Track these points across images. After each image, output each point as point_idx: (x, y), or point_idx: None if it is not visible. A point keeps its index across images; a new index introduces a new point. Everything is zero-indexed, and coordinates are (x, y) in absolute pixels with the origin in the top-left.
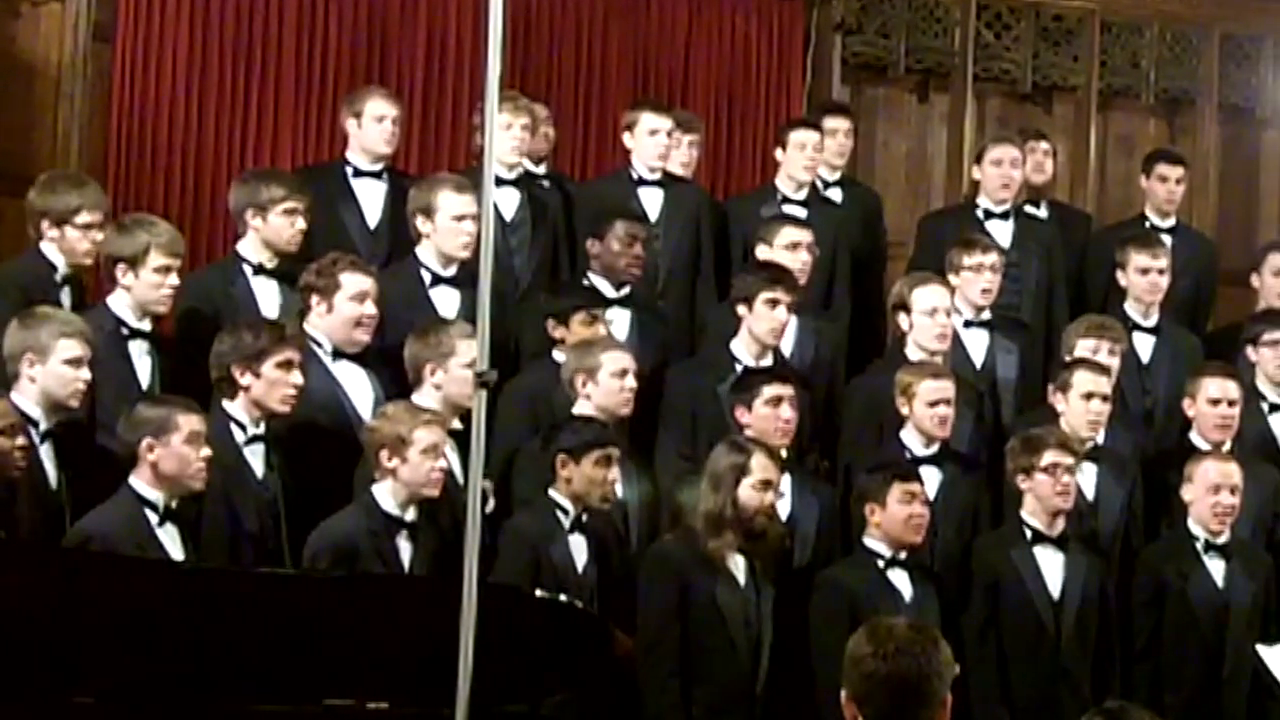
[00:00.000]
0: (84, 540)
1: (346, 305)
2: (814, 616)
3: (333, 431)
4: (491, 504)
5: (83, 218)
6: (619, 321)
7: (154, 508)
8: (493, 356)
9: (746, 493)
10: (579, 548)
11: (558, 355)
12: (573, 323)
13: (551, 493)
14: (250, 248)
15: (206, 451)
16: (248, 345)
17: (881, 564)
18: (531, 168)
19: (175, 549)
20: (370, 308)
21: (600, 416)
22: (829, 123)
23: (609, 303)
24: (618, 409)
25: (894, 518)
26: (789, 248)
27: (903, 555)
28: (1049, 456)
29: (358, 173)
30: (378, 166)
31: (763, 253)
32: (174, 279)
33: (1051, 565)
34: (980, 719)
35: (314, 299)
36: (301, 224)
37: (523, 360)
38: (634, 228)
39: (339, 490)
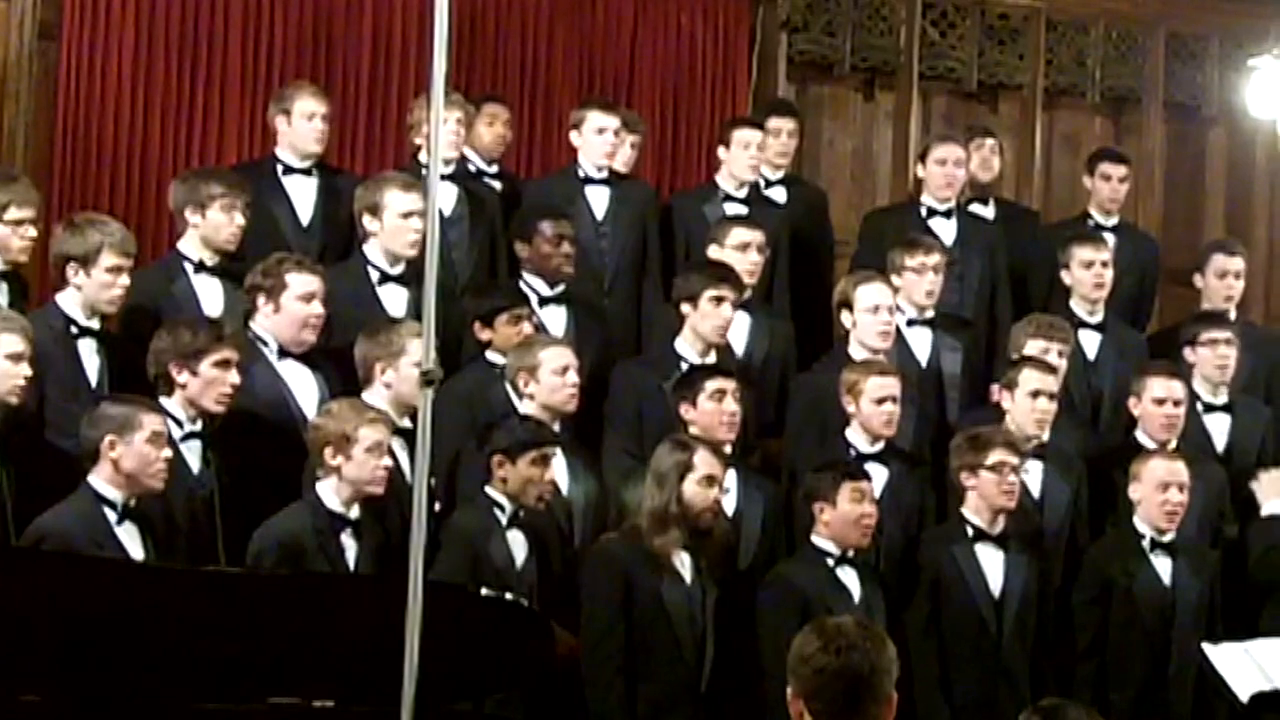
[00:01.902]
0: (40, 538)
1: (294, 305)
2: (763, 615)
3: (278, 430)
4: (438, 505)
5: (12, 214)
6: (555, 320)
7: (113, 506)
8: (440, 354)
9: (691, 490)
10: (518, 544)
11: (491, 355)
12: (498, 324)
13: (488, 490)
14: (191, 245)
15: (167, 452)
16: (185, 343)
17: (831, 562)
18: (483, 165)
19: (135, 547)
20: (317, 307)
21: (545, 415)
22: (774, 123)
23: (543, 301)
24: (561, 406)
25: (844, 517)
26: (739, 248)
27: (851, 554)
28: (995, 455)
29: (288, 170)
30: (307, 164)
31: (713, 253)
32: (125, 279)
33: (992, 563)
34: (923, 716)
35: (260, 299)
36: (240, 220)
37: (463, 358)
38: (560, 226)
39: (285, 489)
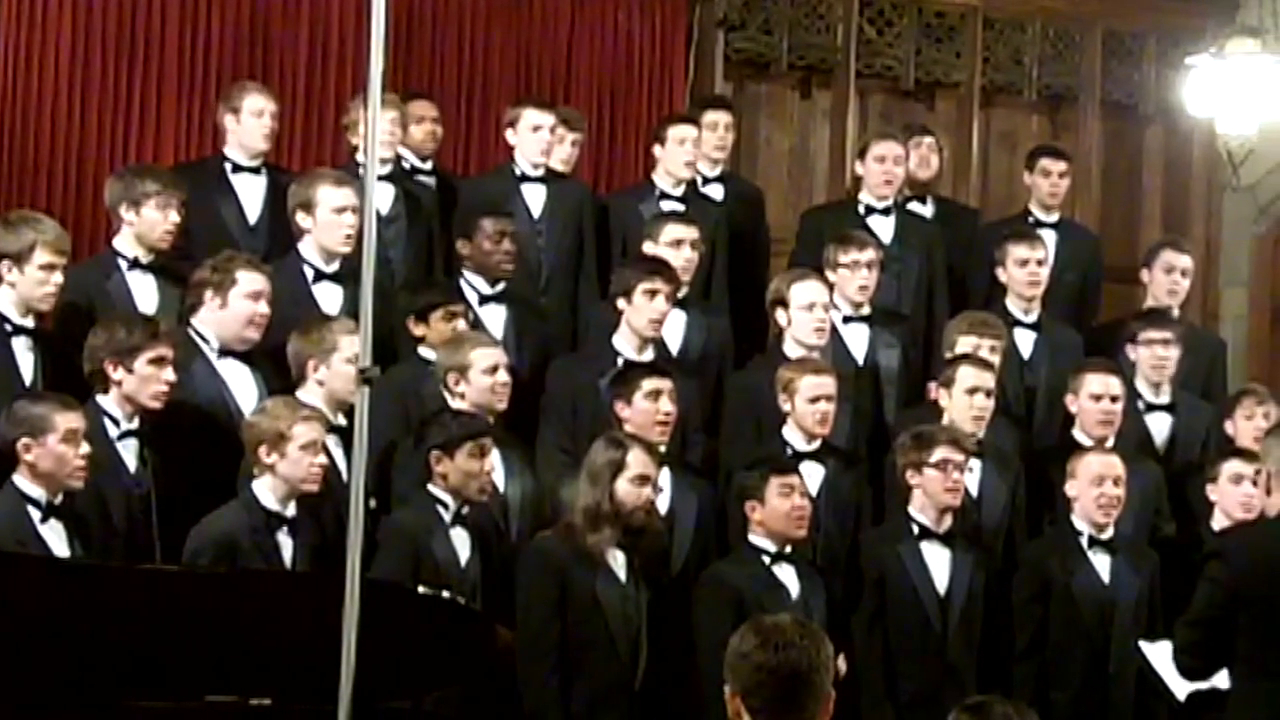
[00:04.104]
0: None
1: (241, 303)
2: (699, 613)
3: (216, 428)
4: (373, 502)
5: None
6: (494, 318)
7: (36, 504)
8: (375, 352)
9: (624, 488)
10: (461, 542)
11: (424, 351)
12: (432, 320)
13: (430, 488)
14: (125, 242)
15: (85, 449)
16: (121, 341)
17: (767, 560)
18: (418, 163)
19: (60, 546)
20: (264, 307)
21: (476, 414)
22: (709, 116)
23: (483, 300)
24: (492, 405)
25: (775, 512)
26: (673, 244)
27: (788, 550)
28: (940, 453)
29: (236, 168)
30: (256, 162)
31: (648, 249)
32: (58, 276)
33: (938, 561)
34: (867, 715)
35: (208, 294)
36: (175, 218)
37: (400, 355)
38: (502, 223)
39: (223, 487)
